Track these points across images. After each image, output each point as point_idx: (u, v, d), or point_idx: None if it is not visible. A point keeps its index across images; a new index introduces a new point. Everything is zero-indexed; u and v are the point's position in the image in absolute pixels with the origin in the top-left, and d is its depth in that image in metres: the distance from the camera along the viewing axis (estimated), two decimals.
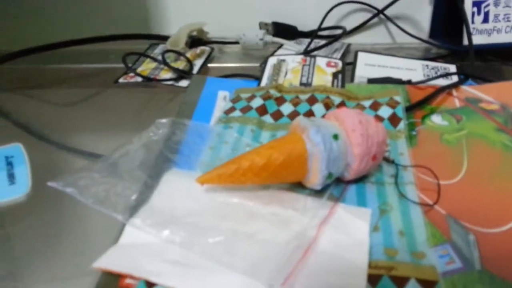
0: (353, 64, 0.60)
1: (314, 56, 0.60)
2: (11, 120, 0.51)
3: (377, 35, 0.73)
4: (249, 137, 0.44)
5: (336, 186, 0.38)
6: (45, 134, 0.48)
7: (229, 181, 0.35)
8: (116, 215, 0.34)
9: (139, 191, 0.37)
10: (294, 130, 0.37)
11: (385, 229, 0.33)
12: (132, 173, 0.39)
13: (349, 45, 0.70)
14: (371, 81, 0.55)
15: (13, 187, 0.39)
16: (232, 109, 0.49)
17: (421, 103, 0.49)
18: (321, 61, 0.59)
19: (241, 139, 0.44)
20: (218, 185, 0.37)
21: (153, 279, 0.29)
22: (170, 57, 0.65)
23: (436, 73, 0.57)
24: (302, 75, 0.56)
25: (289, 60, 0.60)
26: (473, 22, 0.61)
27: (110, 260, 0.31)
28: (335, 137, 0.35)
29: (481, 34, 0.61)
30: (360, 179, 0.38)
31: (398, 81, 0.54)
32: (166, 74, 0.61)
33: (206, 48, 0.69)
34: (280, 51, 0.68)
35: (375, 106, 0.48)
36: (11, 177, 0.40)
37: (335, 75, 0.56)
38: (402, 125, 0.45)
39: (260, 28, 0.71)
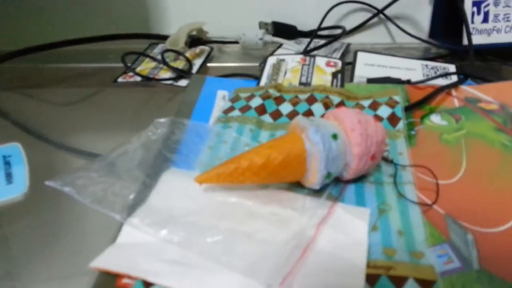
0: (353, 64, 0.60)
1: (314, 56, 0.60)
2: (9, 120, 0.51)
3: (376, 35, 0.73)
4: (248, 137, 0.44)
5: (335, 186, 0.38)
6: (44, 133, 0.48)
7: (228, 180, 0.35)
8: (114, 215, 0.34)
9: (137, 190, 0.37)
10: (293, 130, 0.37)
11: (383, 228, 0.33)
12: (130, 173, 0.39)
13: (348, 44, 0.70)
14: (370, 81, 0.55)
15: (11, 187, 0.39)
16: (231, 109, 0.49)
17: (420, 103, 0.49)
18: (320, 61, 0.59)
19: (240, 138, 0.44)
20: (217, 185, 0.37)
21: (150, 279, 0.29)
22: (169, 56, 0.65)
23: (435, 73, 0.57)
24: (301, 75, 0.56)
25: (289, 60, 0.59)
26: (472, 22, 0.61)
27: (108, 260, 0.31)
28: (334, 136, 0.35)
29: (480, 34, 0.61)
30: (359, 179, 0.38)
31: (398, 81, 0.54)
32: (165, 74, 0.61)
33: (206, 48, 0.69)
34: (279, 51, 0.67)
35: (374, 106, 0.47)
36: (8, 177, 0.40)
37: (334, 75, 0.56)
38: (401, 124, 0.45)
39: (260, 27, 0.71)
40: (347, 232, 0.33)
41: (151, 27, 0.75)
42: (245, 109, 0.48)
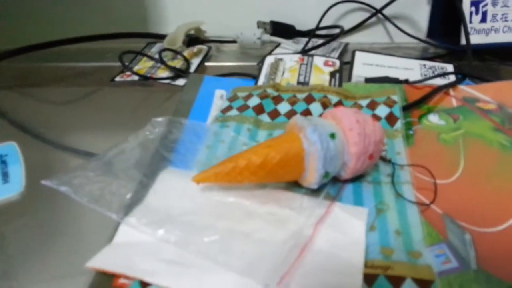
0: (351, 63, 0.60)
1: (312, 55, 0.60)
2: (6, 118, 0.51)
3: (375, 34, 0.73)
4: (246, 136, 0.44)
5: (332, 185, 0.38)
6: (41, 132, 0.48)
7: (225, 180, 0.35)
8: (110, 214, 0.34)
9: (134, 190, 0.37)
10: (291, 129, 0.37)
11: (381, 228, 0.33)
12: (128, 172, 0.39)
13: (346, 44, 0.70)
14: (368, 80, 0.55)
15: (7, 186, 0.39)
16: (229, 108, 0.49)
17: (418, 103, 0.49)
18: (318, 60, 0.59)
19: (238, 138, 0.44)
20: (215, 184, 0.37)
21: (147, 279, 0.29)
22: (167, 55, 0.65)
23: (433, 72, 0.57)
24: (299, 74, 0.56)
25: (287, 59, 0.59)
26: (471, 22, 0.61)
27: (104, 260, 0.31)
28: (332, 136, 0.35)
29: (478, 34, 0.61)
30: (357, 178, 0.38)
31: (396, 81, 0.54)
32: (163, 73, 0.61)
33: (204, 47, 0.69)
34: (277, 50, 0.67)
35: (372, 105, 0.47)
36: (4, 176, 0.40)
37: (332, 74, 0.56)
38: (399, 124, 0.45)
39: (258, 27, 0.71)
40: (345, 231, 0.33)
41: (149, 26, 0.74)
42: (243, 108, 0.48)
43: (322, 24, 0.70)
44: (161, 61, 0.61)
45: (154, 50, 0.68)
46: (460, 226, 0.34)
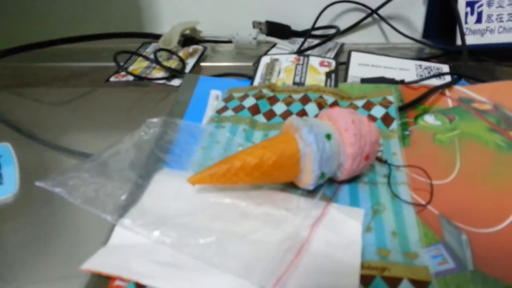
0: (347, 63, 0.60)
1: (308, 56, 0.60)
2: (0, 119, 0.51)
3: (370, 35, 0.73)
4: (241, 137, 0.44)
5: (328, 186, 0.37)
6: (35, 133, 0.48)
7: (221, 181, 0.35)
8: (105, 216, 0.34)
9: (129, 191, 0.37)
10: (287, 130, 0.37)
11: (377, 229, 0.33)
12: (122, 173, 0.38)
13: (342, 44, 0.70)
14: (364, 80, 0.55)
15: (0, 188, 0.39)
16: (224, 109, 0.49)
17: (414, 103, 0.49)
18: (314, 61, 0.59)
19: (234, 138, 0.43)
20: (210, 185, 0.37)
21: (143, 281, 0.29)
22: (162, 56, 0.65)
23: (429, 73, 0.57)
24: (295, 75, 0.56)
25: (282, 60, 0.59)
26: (466, 22, 0.61)
27: (100, 262, 0.31)
28: (328, 136, 0.34)
29: (474, 35, 0.61)
30: (353, 179, 0.38)
31: (391, 81, 0.54)
32: (158, 73, 0.60)
33: (199, 47, 0.68)
34: (273, 50, 0.67)
35: (368, 106, 0.47)
36: None
37: (328, 75, 0.56)
38: (395, 125, 0.45)
39: (254, 27, 0.71)
40: (341, 232, 0.33)
41: (144, 26, 0.74)
42: (238, 109, 0.48)
43: (317, 24, 0.70)
44: (156, 61, 0.60)
45: (149, 50, 0.68)
46: (457, 227, 0.34)
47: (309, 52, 0.64)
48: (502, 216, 0.34)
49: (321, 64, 0.58)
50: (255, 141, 0.44)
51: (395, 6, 0.70)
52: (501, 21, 0.61)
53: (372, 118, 0.46)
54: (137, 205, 0.35)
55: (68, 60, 0.66)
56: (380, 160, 0.40)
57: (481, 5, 0.61)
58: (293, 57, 0.60)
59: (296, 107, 0.48)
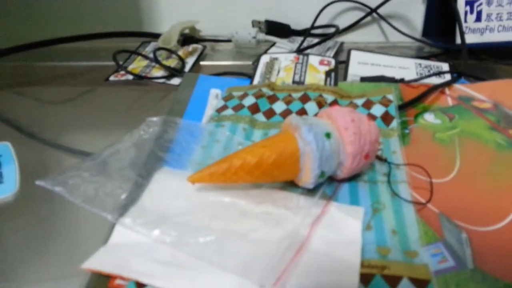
0: (346, 62, 0.60)
1: (307, 55, 0.60)
2: (0, 118, 0.51)
3: (370, 33, 0.73)
4: (241, 136, 0.44)
5: (328, 185, 0.37)
6: (35, 132, 0.48)
7: (220, 180, 0.35)
8: (105, 215, 0.34)
9: (129, 190, 0.37)
10: (287, 129, 0.37)
11: (377, 227, 0.33)
12: (122, 172, 0.38)
13: (342, 43, 0.70)
14: (364, 79, 0.55)
15: (1, 187, 0.39)
16: (224, 108, 0.49)
17: (414, 102, 0.49)
18: (314, 60, 0.59)
19: (233, 137, 0.43)
20: (210, 184, 0.37)
21: (143, 280, 0.29)
22: (161, 55, 0.65)
23: (429, 71, 0.57)
24: (294, 74, 0.56)
25: (282, 58, 0.59)
26: (465, 21, 0.61)
27: (100, 261, 0.31)
28: (328, 135, 0.34)
29: (473, 33, 0.61)
30: (353, 178, 0.38)
31: (391, 80, 0.54)
32: (158, 72, 0.60)
33: (198, 46, 0.68)
34: (273, 49, 0.67)
35: (368, 105, 0.47)
36: None
37: (328, 74, 0.56)
38: (394, 123, 0.45)
39: (253, 26, 0.71)
40: (341, 231, 0.33)
41: (143, 25, 0.74)
42: (238, 108, 0.48)
43: (317, 23, 0.70)
44: (156, 60, 0.60)
45: (148, 49, 0.68)
46: (457, 225, 0.34)
47: (308, 51, 0.64)
48: (502, 214, 0.34)
49: (321, 63, 0.58)
50: (255, 140, 0.44)
51: (395, 5, 0.70)
52: (501, 20, 0.61)
53: (372, 117, 0.46)
54: (137, 204, 0.35)
55: (68, 59, 0.66)
56: (380, 158, 0.40)
57: (481, 4, 0.61)
58: (292, 56, 0.60)
59: (295, 106, 0.48)
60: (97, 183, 0.37)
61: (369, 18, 0.71)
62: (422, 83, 0.53)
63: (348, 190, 0.37)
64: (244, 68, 0.60)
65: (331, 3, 0.70)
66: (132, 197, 0.36)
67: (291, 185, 0.37)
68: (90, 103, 0.54)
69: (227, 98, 0.50)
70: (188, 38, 0.68)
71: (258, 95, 0.50)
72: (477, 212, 0.35)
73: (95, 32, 0.66)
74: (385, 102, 0.47)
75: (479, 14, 0.61)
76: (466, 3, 0.61)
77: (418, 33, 0.71)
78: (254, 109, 0.48)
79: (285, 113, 0.47)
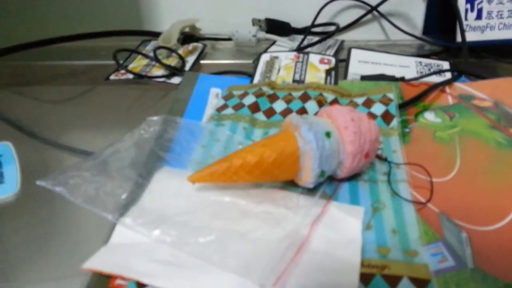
0: (346, 61, 0.60)
1: (307, 53, 0.60)
2: (0, 118, 0.51)
3: (370, 32, 0.73)
4: (241, 135, 0.44)
5: (328, 184, 0.37)
6: (35, 131, 0.48)
7: (221, 179, 0.35)
8: (106, 215, 0.34)
9: (130, 190, 0.37)
10: (287, 128, 0.37)
11: (377, 227, 0.33)
12: (123, 172, 0.38)
13: (342, 42, 0.70)
14: (364, 78, 0.55)
15: (2, 187, 0.39)
16: (224, 107, 0.49)
17: (414, 100, 0.49)
18: (314, 58, 0.59)
19: (233, 137, 0.43)
20: (210, 184, 0.37)
21: (144, 280, 0.29)
22: (162, 53, 0.65)
23: (429, 70, 0.57)
24: (295, 72, 0.56)
25: (282, 57, 0.59)
26: (466, 19, 0.61)
27: (100, 261, 0.31)
28: (328, 134, 0.34)
29: (474, 31, 0.61)
30: (353, 177, 0.38)
31: (391, 78, 0.54)
32: (158, 71, 0.60)
33: (199, 45, 0.68)
34: (273, 48, 0.67)
35: (368, 103, 0.47)
36: None
37: (328, 72, 0.56)
38: (395, 122, 0.45)
39: (253, 24, 0.71)
40: (341, 230, 0.33)
41: (144, 24, 0.74)
42: (238, 107, 0.48)
43: (317, 21, 0.70)
44: (156, 59, 0.60)
45: (148, 48, 0.68)
46: (457, 225, 0.34)
47: (309, 49, 0.64)
48: (502, 213, 0.34)
49: (321, 61, 0.58)
50: (255, 139, 0.44)
51: (395, 3, 0.70)
52: (501, 18, 0.61)
53: (372, 116, 0.46)
54: (138, 203, 0.35)
55: (68, 58, 0.66)
56: (380, 157, 0.40)
57: (481, 2, 0.60)
58: (292, 54, 0.60)
59: (296, 105, 0.48)
60: (97, 183, 0.37)
61: (369, 16, 0.71)
62: (423, 82, 0.53)
63: (348, 189, 0.37)
64: (244, 66, 0.60)
65: (332, 1, 0.70)
66: (132, 197, 0.36)
67: (291, 184, 0.37)
68: (90, 102, 0.54)
69: (227, 97, 0.50)
70: (188, 36, 0.68)
71: (258, 94, 0.50)
72: (477, 211, 0.35)
73: (95, 31, 0.66)
74: (385, 101, 0.47)
75: (479, 12, 0.61)
76: (467, 1, 0.60)
77: (418, 31, 0.71)
78: (254, 108, 0.48)
79: (285, 112, 0.47)
